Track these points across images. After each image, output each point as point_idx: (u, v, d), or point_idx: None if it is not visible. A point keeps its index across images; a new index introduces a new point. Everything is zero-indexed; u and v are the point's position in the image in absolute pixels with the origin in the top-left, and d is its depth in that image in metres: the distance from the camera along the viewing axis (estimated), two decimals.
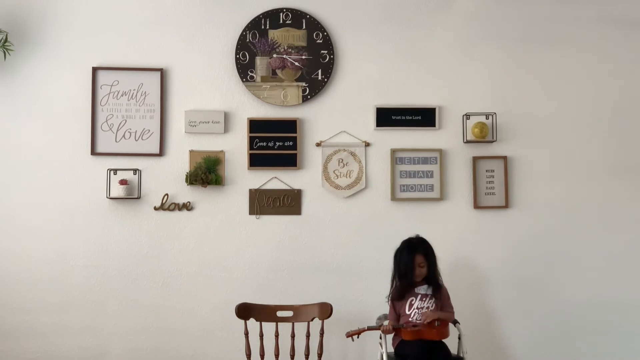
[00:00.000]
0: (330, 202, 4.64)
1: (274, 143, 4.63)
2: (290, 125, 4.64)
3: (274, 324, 4.30)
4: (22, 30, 4.56)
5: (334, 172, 4.65)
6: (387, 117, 4.68)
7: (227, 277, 4.57)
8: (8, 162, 4.52)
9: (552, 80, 4.78)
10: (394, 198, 4.65)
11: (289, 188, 4.63)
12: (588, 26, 4.81)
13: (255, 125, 4.63)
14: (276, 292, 4.54)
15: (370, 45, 4.71)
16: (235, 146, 4.62)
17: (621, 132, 4.78)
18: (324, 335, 4.29)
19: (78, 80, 4.58)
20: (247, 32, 4.65)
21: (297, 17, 4.68)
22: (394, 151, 4.67)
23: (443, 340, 4.06)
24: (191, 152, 4.59)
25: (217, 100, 4.64)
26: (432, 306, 4.13)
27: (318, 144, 4.66)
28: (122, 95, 4.60)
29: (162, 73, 4.62)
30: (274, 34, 4.67)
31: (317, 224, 4.63)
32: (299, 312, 4.34)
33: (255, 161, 4.61)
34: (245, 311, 4.29)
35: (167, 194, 4.57)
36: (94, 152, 4.56)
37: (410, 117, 4.69)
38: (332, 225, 4.63)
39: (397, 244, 4.25)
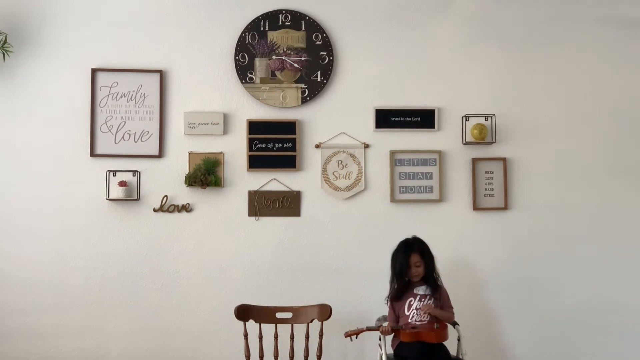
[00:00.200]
0: (329, 204, 4.64)
1: (273, 145, 4.63)
2: (290, 127, 4.64)
3: (273, 325, 4.30)
4: (21, 32, 4.56)
5: (333, 173, 4.65)
6: (386, 119, 4.68)
7: (227, 278, 4.58)
8: (7, 164, 4.53)
9: (551, 82, 4.78)
10: (393, 199, 4.65)
11: (288, 190, 4.64)
12: (588, 27, 4.81)
13: (255, 127, 4.63)
14: (275, 294, 4.53)
15: (369, 47, 4.71)
16: (234, 148, 4.62)
17: (621, 133, 4.78)
18: (323, 336, 4.29)
19: (77, 82, 4.59)
20: (246, 33, 4.65)
21: (297, 19, 4.68)
22: (393, 153, 4.67)
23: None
24: (190, 153, 4.59)
25: (217, 101, 4.65)
26: None
27: (317, 146, 4.67)
28: (121, 97, 4.60)
29: (162, 74, 4.62)
30: (273, 36, 4.67)
31: (317, 225, 4.63)
32: (298, 314, 4.34)
33: (255, 163, 4.62)
34: (244, 312, 4.29)
35: (166, 196, 4.57)
36: (93, 153, 4.56)
37: (410, 119, 4.69)
38: (331, 226, 4.63)
39: (396, 245, 4.25)
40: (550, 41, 4.79)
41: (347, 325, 4.29)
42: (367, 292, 4.55)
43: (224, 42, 4.66)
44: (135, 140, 4.59)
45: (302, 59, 4.67)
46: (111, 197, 4.51)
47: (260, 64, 4.66)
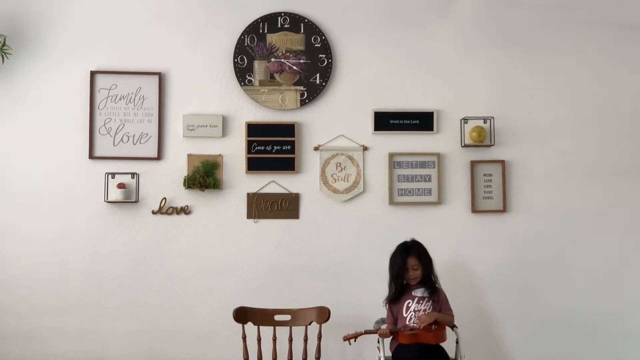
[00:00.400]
0: (328, 206, 4.65)
1: (272, 147, 4.63)
2: (288, 129, 4.64)
3: (271, 327, 4.30)
4: (20, 34, 4.56)
5: (332, 176, 4.66)
6: (385, 121, 4.68)
7: (225, 280, 4.58)
8: (6, 166, 4.53)
9: (550, 84, 4.78)
10: (391, 202, 4.65)
11: (286, 192, 4.64)
12: (587, 29, 4.81)
13: (253, 129, 4.63)
14: (274, 296, 4.53)
15: (368, 49, 4.71)
16: (233, 150, 4.63)
17: (619, 136, 4.78)
18: (322, 339, 4.29)
19: (76, 84, 4.59)
20: (245, 36, 4.66)
21: (295, 21, 4.68)
22: (392, 155, 4.67)
23: (440, 344, 4.06)
24: (189, 156, 4.59)
25: (215, 104, 4.65)
26: (429, 308, 4.14)
27: (316, 148, 4.67)
28: (120, 99, 4.60)
29: (160, 77, 4.62)
30: (272, 38, 4.67)
31: (315, 228, 4.63)
32: (296, 316, 4.34)
33: (253, 165, 4.62)
34: (243, 315, 4.29)
35: (165, 198, 4.57)
36: (92, 155, 4.56)
37: (408, 121, 4.69)
38: (330, 229, 4.63)
39: (394, 248, 4.25)
40: (549, 43, 4.79)
41: (346, 328, 4.29)
42: (366, 295, 4.55)
43: (223, 45, 4.66)
44: (134, 142, 4.59)
45: (301, 61, 4.67)
46: (110, 199, 4.51)
47: (259, 66, 4.66)
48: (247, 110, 4.66)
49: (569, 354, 4.66)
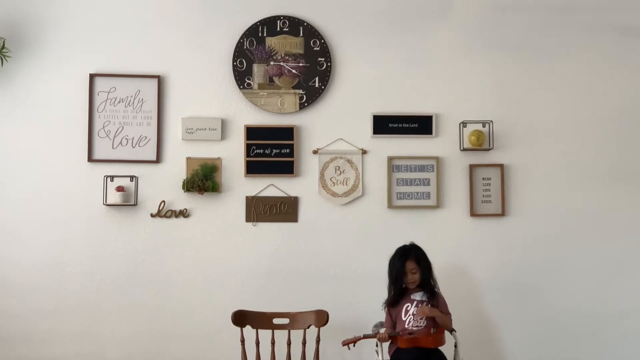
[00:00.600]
0: (327, 210, 4.65)
1: (271, 150, 4.63)
2: (287, 133, 4.64)
3: (270, 331, 4.30)
4: (19, 37, 4.56)
5: (330, 179, 4.66)
6: (384, 125, 4.68)
7: (224, 283, 4.58)
8: (5, 168, 4.52)
9: (549, 88, 4.78)
10: (390, 206, 4.65)
11: (285, 195, 4.64)
12: (586, 34, 4.81)
13: (252, 133, 4.63)
14: (273, 299, 4.53)
15: (367, 53, 4.72)
16: (232, 153, 4.62)
17: (618, 139, 4.79)
18: (320, 342, 4.29)
19: (75, 87, 4.58)
20: (245, 39, 4.66)
21: (295, 25, 4.68)
22: (390, 159, 4.67)
23: (439, 347, 4.06)
24: (188, 159, 4.59)
25: (214, 107, 4.65)
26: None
27: (315, 152, 4.67)
28: (119, 102, 4.60)
29: (160, 80, 4.62)
30: (271, 42, 4.67)
31: (314, 231, 4.63)
32: (295, 320, 4.34)
33: (252, 168, 4.62)
34: (241, 318, 4.29)
35: (163, 201, 4.57)
36: (90, 158, 4.56)
37: (407, 125, 4.69)
38: (328, 232, 4.63)
39: (393, 251, 4.25)
40: (548, 47, 4.79)
41: (345, 331, 4.29)
42: (365, 298, 4.54)
43: (222, 48, 4.66)
44: (133, 145, 4.59)
45: (300, 64, 4.68)
46: (109, 202, 4.51)
47: (258, 69, 4.66)
48: (246, 113, 4.66)
49: (567, 356, 4.66)
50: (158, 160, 4.59)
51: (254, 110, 4.66)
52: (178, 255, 4.57)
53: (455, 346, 4.16)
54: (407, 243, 4.27)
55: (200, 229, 4.59)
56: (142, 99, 4.61)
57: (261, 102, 4.65)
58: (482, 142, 4.62)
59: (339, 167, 4.66)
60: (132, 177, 4.55)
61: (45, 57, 4.58)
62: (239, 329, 4.27)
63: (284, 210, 4.63)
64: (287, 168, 4.63)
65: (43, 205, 4.52)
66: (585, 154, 4.77)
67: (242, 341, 4.26)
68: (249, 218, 4.61)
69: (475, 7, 4.78)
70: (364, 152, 4.69)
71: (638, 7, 4.84)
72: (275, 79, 4.67)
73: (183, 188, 4.54)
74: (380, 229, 4.64)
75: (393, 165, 4.68)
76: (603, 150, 4.78)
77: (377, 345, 4.15)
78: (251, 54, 4.66)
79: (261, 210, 4.61)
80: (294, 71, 4.67)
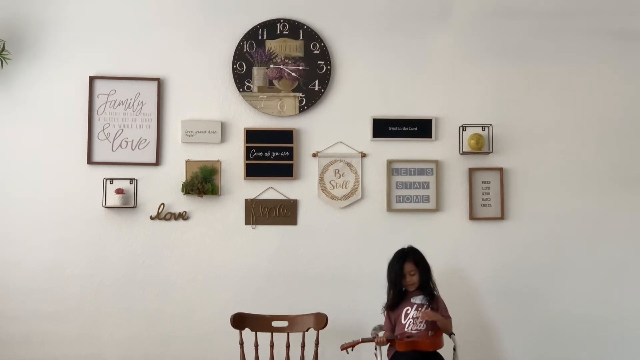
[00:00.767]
0: (326, 213, 4.65)
1: (271, 153, 4.64)
2: (287, 136, 4.65)
3: (269, 334, 4.30)
4: (19, 39, 4.56)
5: (330, 182, 4.66)
6: (383, 128, 4.69)
7: (223, 286, 4.58)
8: (4, 170, 4.53)
9: (548, 92, 4.79)
10: (390, 209, 4.66)
11: (285, 198, 4.64)
12: (584, 38, 4.82)
13: (252, 136, 4.64)
14: (272, 302, 4.54)
15: (367, 56, 4.72)
16: (231, 156, 4.63)
17: (617, 143, 4.79)
18: (319, 345, 4.30)
19: (75, 89, 4.59)
20: (245, 42, 4.66)
21: (295, 28, 4.69)
22: (390, 162, 4.67)
23: (438, 350, 4.06)
24: (187, 161, 4.60)
25: (214, 110, 4.65)
26: None
27: (314, 155, 4.67)
28: (119, 105, 4.60)
29: (159, 83, 4.62)
30: (271, 45, 4.68)
31: (313, 234, 4.63)
32: (294, 322, 4.34)
33: (252, 171, 4.62)
34: (240, 321, 4.29)
35: (163, 204, 4.57)
36: (90, 161, 4.56)
37: (407, 128, 4.70)
38: (328, 235, 4.64)
39: (392, 254, 4.25)
40: (547, 52, 4.80)
41: (343, 334, 4.30)
42: (364, 301, 4.55)
43: (222, 51, 4.67)
44: (133, 148, 4.59)
45: (300, 68, 4.68)
46: (108, 204, 4.51)
47: (258, 72, 4.66)
48: (246, 116, 4.66)
49: (566, 359, 4.66)
50: (157, 162, 4.60)
51: (253, 113, 4.67)
52: (177, 258, 4.58)
53: (454, 350, 4.16)
54: (406, 246, 4.27)
55: (199, 232, 4.59)
56: (142, 102, 4.61)
57: (261, 105, 4.65)
58: (481, 145, 4.62)
59: (339, 170, 4.67)
60: (131, 180, 4.55)
61: (45, 59, 4.59)
62: (238, 331, 4.27)
63: (283, 213, 4.63)
64: (286, 171, 4.64)
65: (43, 207, 4.52)
66: (584, 157, 4.77)
67: (241, 344, 4.26)
68: (248, 221, 4.62)
69: (474, 11, 4.79)
70: (364, 155, 4.69)
71: (635, 11, 4.85)
72: (275, 82, 4.67)
73: (182, 191, 4.55)
74: (380, 232, 4.64)
75: (392, 168, 4.68)
76: (602, 154, 4.78)
77: (375, 349, 4.15)
78: (251, 56, 4.66)
79: (260, 213, 4.62)
80: (293, 74, 4.68)
